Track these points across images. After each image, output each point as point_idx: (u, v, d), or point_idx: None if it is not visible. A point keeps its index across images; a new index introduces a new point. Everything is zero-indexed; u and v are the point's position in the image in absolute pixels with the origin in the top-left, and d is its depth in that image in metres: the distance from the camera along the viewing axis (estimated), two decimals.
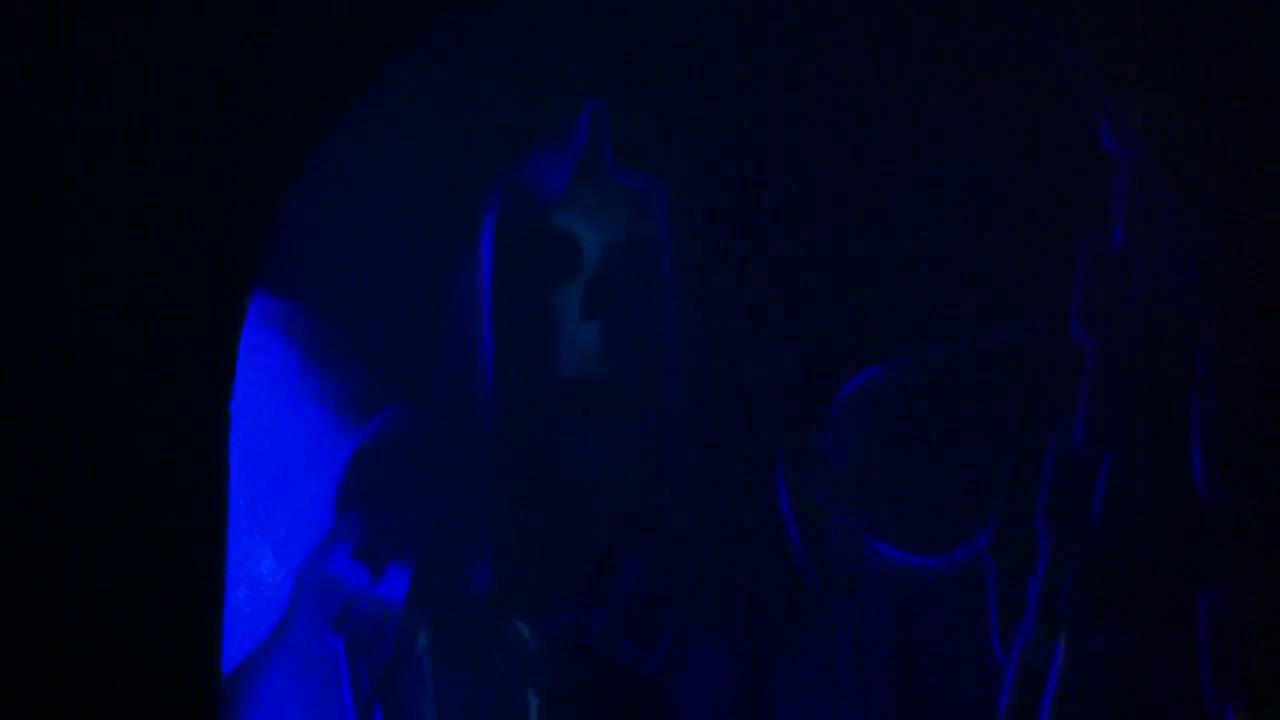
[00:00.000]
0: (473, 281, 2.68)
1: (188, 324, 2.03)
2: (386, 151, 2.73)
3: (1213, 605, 2.01)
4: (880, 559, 2.44)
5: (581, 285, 2.66)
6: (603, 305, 2.65)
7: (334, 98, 2.09)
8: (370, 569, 2.57)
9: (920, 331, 2.58)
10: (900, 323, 2.61)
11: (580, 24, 2.67)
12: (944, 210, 2.60)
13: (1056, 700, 2.13)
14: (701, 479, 2.66)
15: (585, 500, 2.69)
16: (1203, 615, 2.01)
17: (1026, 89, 2.45)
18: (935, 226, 2.62)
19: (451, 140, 2.74)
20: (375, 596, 2.58)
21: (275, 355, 2.63)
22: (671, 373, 2.63)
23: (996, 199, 2.53)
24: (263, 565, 2.59)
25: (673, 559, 2.64)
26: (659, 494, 2.65)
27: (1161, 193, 1.96)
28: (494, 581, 2.61)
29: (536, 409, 2.69)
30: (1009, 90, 2.49)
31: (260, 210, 2.07)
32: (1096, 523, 2.13)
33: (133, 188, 2.03)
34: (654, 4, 2.69)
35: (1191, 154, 1.92)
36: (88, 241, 2.02)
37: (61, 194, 2.03)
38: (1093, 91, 2.07)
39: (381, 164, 2.74)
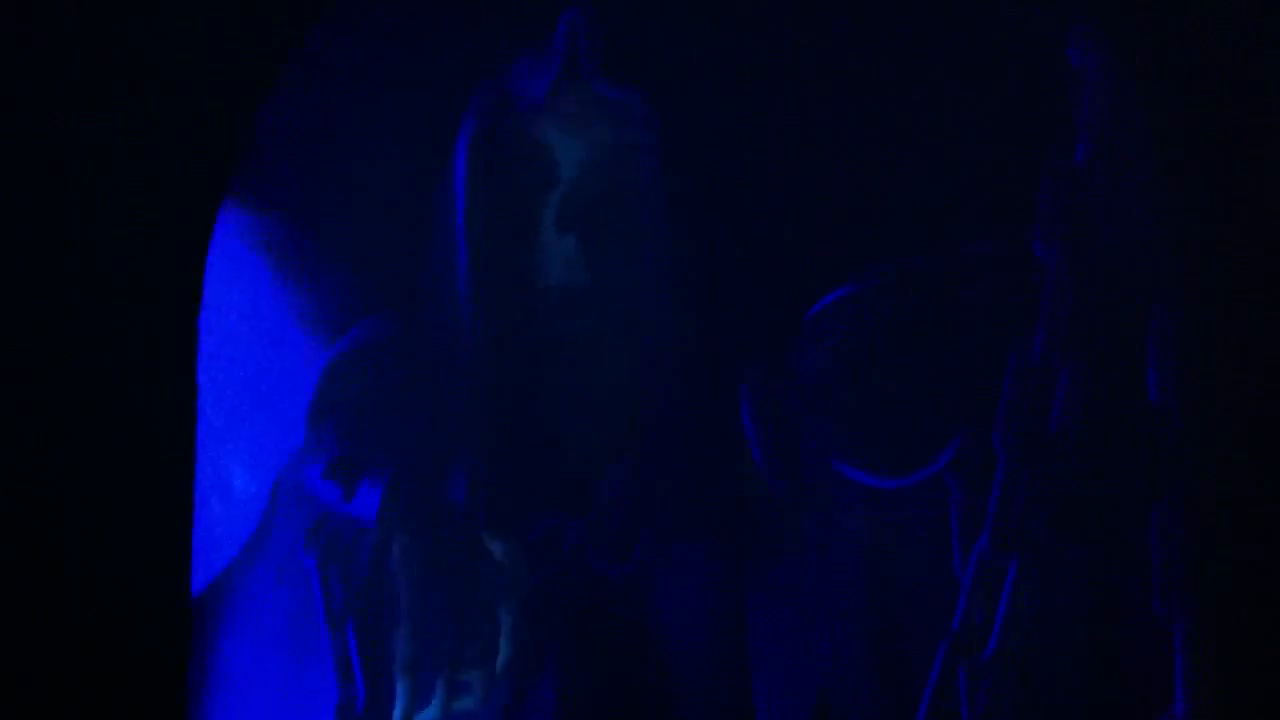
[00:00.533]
0: (450, 192, 2.68)
1: (156, 239, 2.04)
2: (364, 62, 2.72)
3: (1164, 516, 2.02)
4: (846, 478, 2.46)
5: (559, 196, 2.66)
6: (579, 216, 2.65)
7: (309, 7, 2.08)
8: (343, 484, 2.58)
9: (890, 248, 2.58)
10: (871, 240, 2.62)
11: None
12: (914, 128, 2.60)
13: (1010, 613, 2.15)
14: (678, 390, 2.67)
15: (563, 410, 2.71)
16: (1154, 526, 2.03)
17: (994, 5, 2.44)
18: (906, 144, 2.62)
19: (430, 50, 2.73)
20: (348, 512, 2.59)
21: (250, 270, 2.64)
22: (648, 284, 2.63)
23: (965, 116, 2.52)
24: (236, 479, 2.60)
25: (651, 468, 2.66)
26: (637, 404, 2.67)
27: (1125, 109, 1.96)
28: (470, 491, 2.63)
29: (514, 319, 2.69)
30: (977, 6, 2.48)
31: (232, 124, 2.06)
32: (1053, 436, 2.14)
33: (102, 100, 2.03)
34: None
35: (1158, 69, 1.91)
36: (54, 152, 2.02)
37: (34, 105, 2.03)
38: (1060, 7, 2.06)
39: (359, 75, 2.74)
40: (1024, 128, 2.36)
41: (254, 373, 2.61)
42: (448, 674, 2.58)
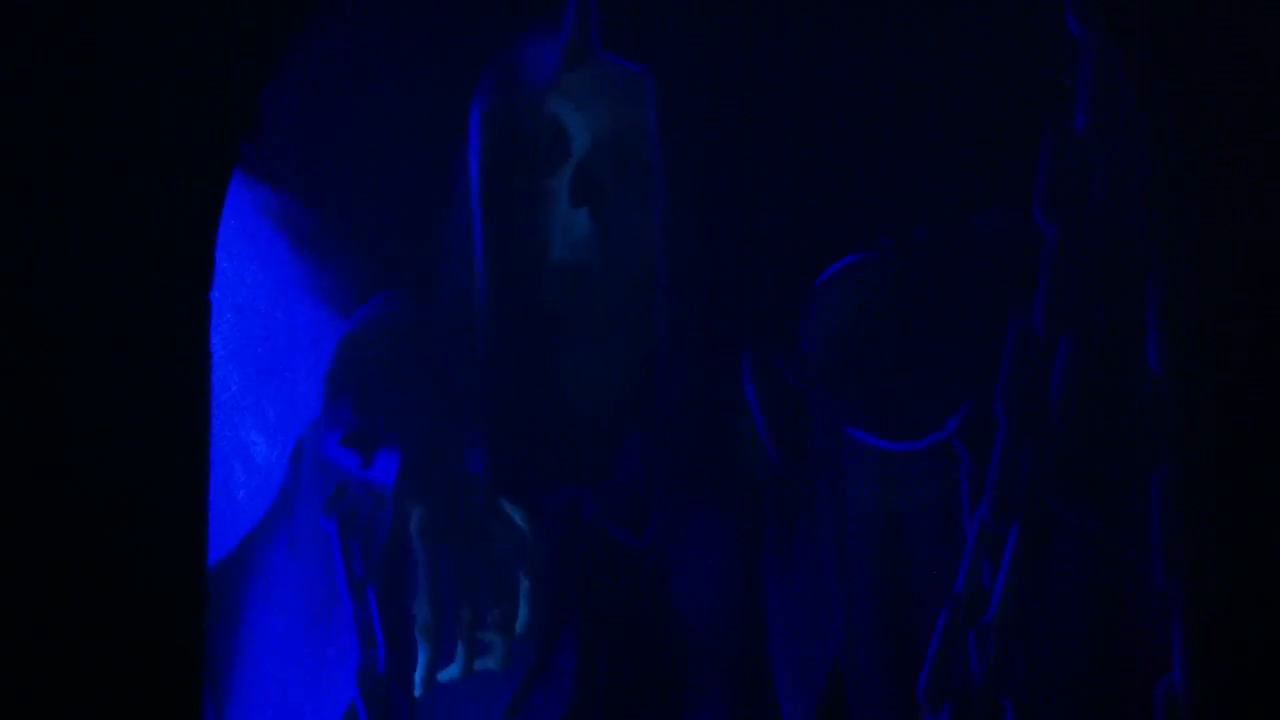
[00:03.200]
0: (464, 168, 2.71)
1: (167, 212, 2.07)
2: (376, 38, 2.75)
3: (1162, 483, 2.04)
4: (856, 444, 2.48)
5: (570, 171, 2.69)
6: (592, 191, 2.67)
7: None
8: (360, 453, 2.63)
9: (893, 219, 2.60)
10: (875, 211, 2.63)
11: None
12: (915, 99, 2.62)
13: (1011, 577, 2.18)
14: (688, 362, 2.70)
15: (579, 382, 2.74)
16: (1154, 492, 2.05)
17: None
18: (908, 116, 2.63)
19: (440, 27, 2.75)
20: (366, 480, 2.63)
21: (267, 245, 2.67)
22: (659, 257, 2.66)
23: (967, 85, 2.53)
24: (257, 448, 2.65)
25: (665, 439, 2.69)
26: (649, 376, 2.70)
27: (1122, 77, 1.97)
28: (488, 461, 2.67)
29: (529, 293, 2.72)
30: None
31: (241, 98, 2.09)
32: (1054, 404, 2.16)
33: (111, 73, 2.06)
34: None
35: (1147, 45, 1.92)
36: (66, 127, 2.05)
37: (40, 81, 2.06)
38: None
39: (371, 51, 2.76)
40: (1026, 97, 2.38)
41: (272, 344, 2.65)
42: (468, 636, 2.62)
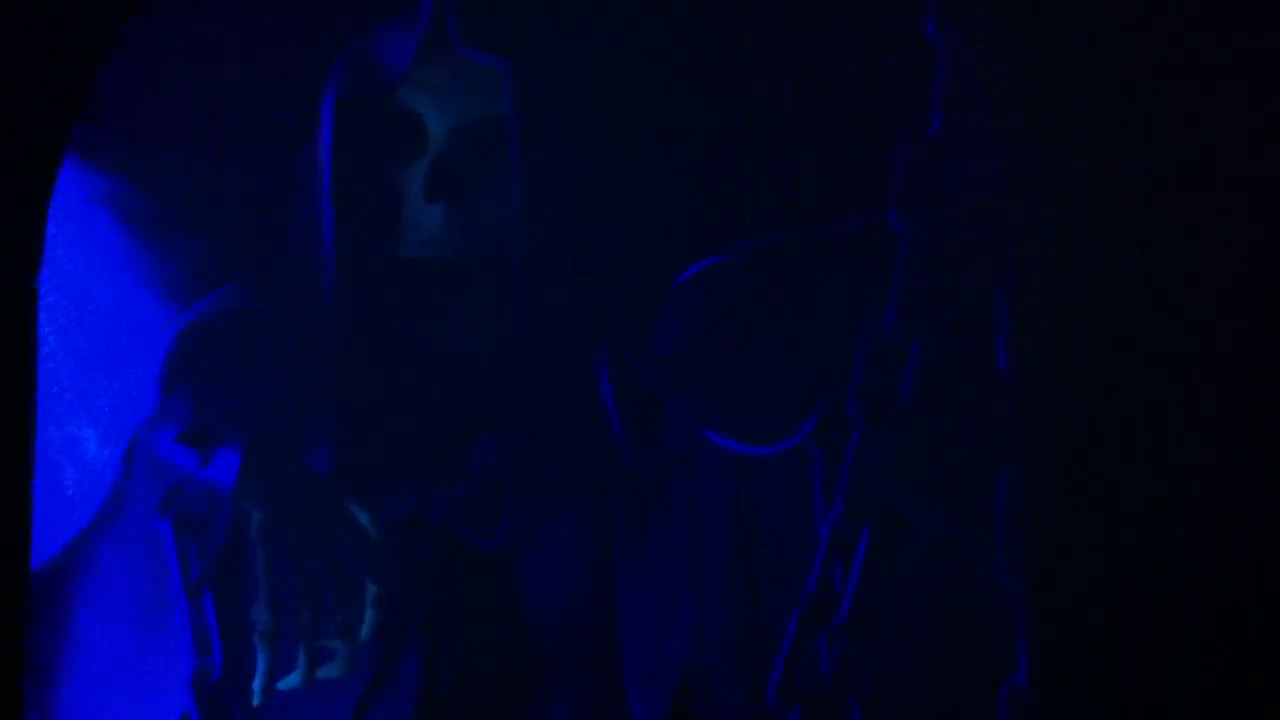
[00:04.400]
0: (314, 158, 2.65)
1: None
2: (224, 22, 2.69)
3: (1008, 485, 2.06)
4: (710, 446, 2.47)
5: (425, 165, 2.64)
6: (447, 186, 2.63)
7: None
8: (198, 451, 2.55)
9: (752, 222, 2.59)
10: (734, 213, 2.62)
11: None
12: (777, 101, 2.62)
13: (863, 579, 2.18)
14: (543, 362, 2.66)
15: (429, 381, 2.69)
16: (998, 495, 2.06)
17: None
18: (768, 117, 2.63)
19: (292, 11, 2.69)
20: (204, 479, 2.56)
21: (101, 233, 2.60)
22: (515, 254, 2.62)
23: (827, 90, 2.54)
24: (88, 447, 2.57)
25: (517, 442, 2.65)
26: (503, 378, 2.66)
27: (976, 82, 1.98)
28: (333, 461, 2.61)
29: (380, 288, 2.67)
30: None
31: (72, 81, 2.02)
32: (905, 405, 2.16)
33: None
34: None
35: (1000, 49, 1.93)
36: None
37: None
38: None
39: (218, 36, 2.70)
40: (883, 101, 2.38)
41: (106, 336, 2.58)
42: (310, 642, 2.56)
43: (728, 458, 2.48)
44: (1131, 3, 2.02)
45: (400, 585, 2.62)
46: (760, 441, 2.40)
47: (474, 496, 2.66)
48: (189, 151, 2.71)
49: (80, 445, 2.57)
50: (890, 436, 2.15)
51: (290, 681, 2.57)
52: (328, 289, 2.62)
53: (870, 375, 2.14)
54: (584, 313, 2.66)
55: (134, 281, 2.60)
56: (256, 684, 2.56)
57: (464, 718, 2.64)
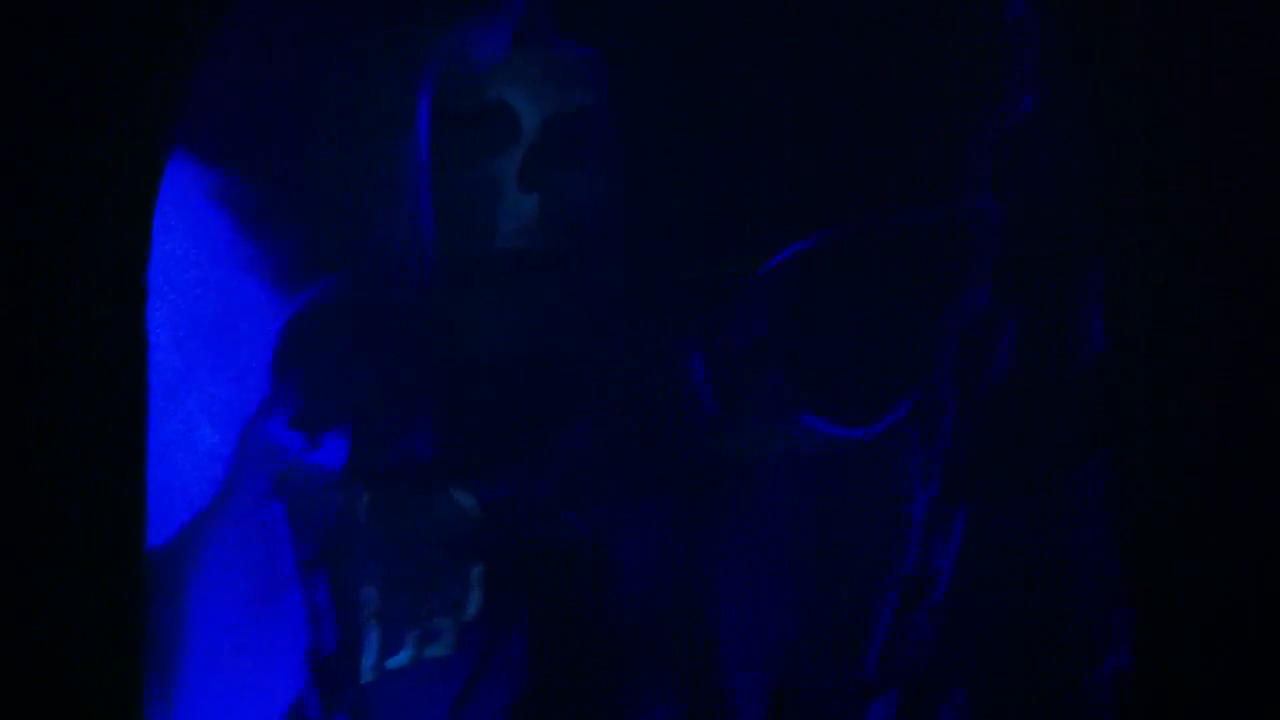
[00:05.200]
0: (411, 151, 2.70)
1: (102, 192, 2.06)
2: (319, 20, 2.75)
3: (1102, 465, 2.05)
4: (805, 429, 2.49)
5: (519, 156, 2.69)
6: (540, 175, 2.67)
7: None
8: (307, 436, 2.62)
9: (842, 206, 2.61)
10: (819, 199, 2.64)
11: None
12: (860, 89, 2.63)
13: (959, 560, 2.18)
14: (633, 349, 2.70)
15: (526, 369, 2.74)
16: (1094, 475, 2.05)
17: None
18: (852, 104, 2.64)
19: (388, 8, 2.75)
20: (314, 463, 2.63)
21: (208, 228, 2.67)
22: (606, 242, 2.66)
23: (908, 75, 2.55)
24: (203, 432, 2.64)
25: (608, 427, 2.69)
26: (595, 363, 2.70)
27: (1063, 61, 1.98)
28: (433, 449, 2.66)
29: (475, 278, 2.72)
30: None
31: (172, 77, 2.08)
32: (997, 387, 2.16)
33: (44, 55, 2.05)
34: None
35: (1090, 27, 1.93)
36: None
37: None
38: None
39: (315, 33, 2.76)
40: (968, 82, 2.38)
41: (215, 326, 2.65)
42: (418, 622, 2.62)
43: (820, 440, 2.50)
44: None
45: (503, 566, 2.67)
46: (859, 423, 2.41)
47: (568, 480, 2.71)
48: (291, 145, 2.77)
49: (194, 433, 2.64)
50: (986, 416, 2.15)
51: (399, 660, 2.63)
52: (426, 278, 2.68)
53: (964, 357, 2.15)
54: (676, 299, 2.70)
55: (241, 273, 2.67)
56: (367, 662, 2.63)
57: (565, 695, 2.68)
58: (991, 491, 2.23)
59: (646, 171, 2.66)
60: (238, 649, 2.68)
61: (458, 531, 2.65)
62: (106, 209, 2.06)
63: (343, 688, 2.64)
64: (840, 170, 2.66)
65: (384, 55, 2.73)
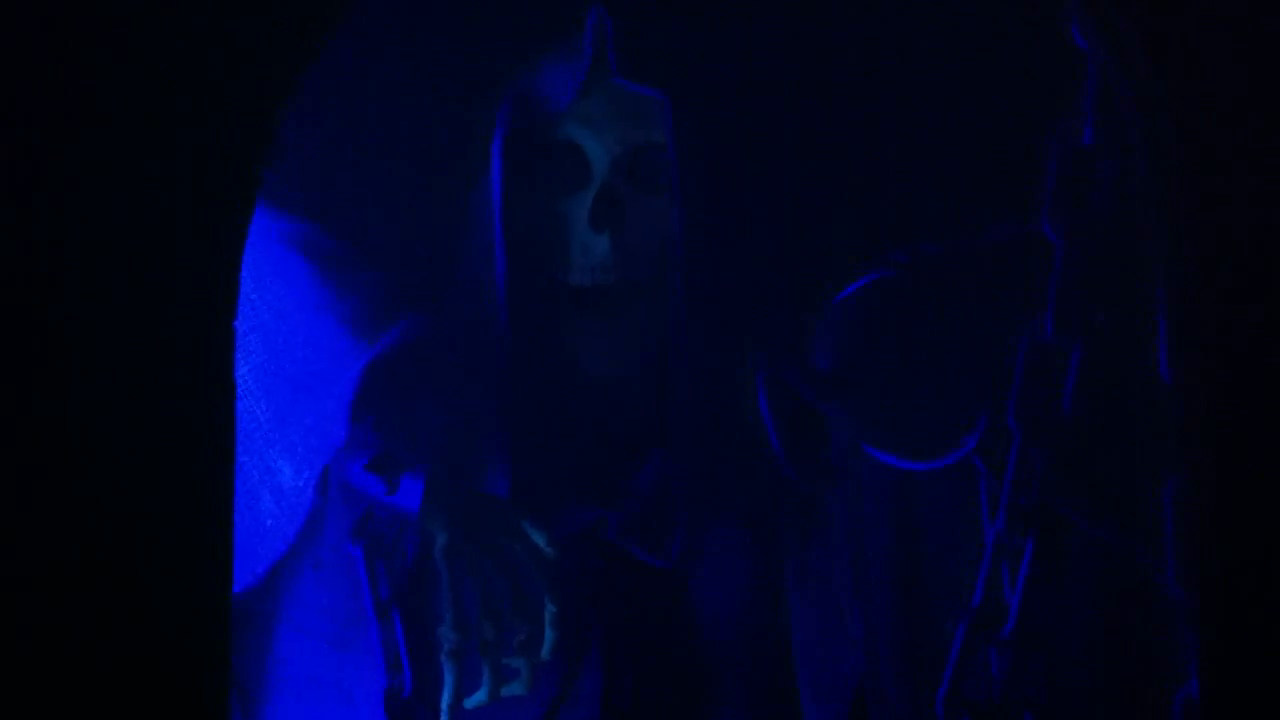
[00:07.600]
0: (485, 193, 2.74)
1: (190, 241, 2.09)
2: (393, 65, 2.79)
3: (1177, 490, 2.05)
4: (873, 461, 2.50)
5: (590, 195, 2.72)
6: (612, 214, 2.71)
7: (332, 7, 2.12)
8: (385, 478, 2.65)
9: (907, 235, 2.63)
10: (889, 227, 2.66)
11: None
12: (926, 115, 2.65)
13: (1028, 591, 2.19)
14: (706, 381, 2.72)
15: (598, 403, 2.76)
16: (1168, 502, 2.06)
17: None
18: (918, 131, 2.66)
19: (458, 51, 2.79)
20: (391, 505, 2.66)
21: (291, 273, 2.71)
22: (677, 278, 2.69)
23: (973, 101, 2.57)
24: (284, 477, 2.67)
25: (684, 458, 2.71)
26: (669, 395, 2.72)
27: (1122, 89, 2.00)
28: (510, 484, 2.69)
29: (549, 317, 2.75)
30: None
31: (258, 127, 2.11)
32: (1067, 414, 2.18)
33: (130, 103, 2.08)
34: None
35: (1146, 51, 1.95)
36: (89, 158, 2.08)
37: (62, 112, 2.08)
38: None
39: (388, 78, 2.81)
40: (1031, 110, 2.40)
41: (297, 371, 2.68)
42: (494, 661, 2.64)
43: (890, 470, 2.51)
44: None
45: (578, 603, 2.69)
46: (924, 457, 2.43)
47: (645, 514, 2.73)
48: (367, 190, 2.81)
49: (277, 476, 2.68)
50: (1052, 446, 2.16)
51: (476, 699, 2.66)
52: (500, 317, 2.71)
53: (1030, 385, 2.16)
54: (744, 332, 2.73)
55: (321, 318, 2.71)
56: (444, 701, 2.65)
57: None
58: (1060, 521, 2.24)
59: (717, 206, 2.69)
60: (319, 686, 2.71)
61: (532, 569, 2.67)
62: (196, 257, 2.10)
63: None
64: (904, 199, 2.68)
65: (456, 97, 2.77)
